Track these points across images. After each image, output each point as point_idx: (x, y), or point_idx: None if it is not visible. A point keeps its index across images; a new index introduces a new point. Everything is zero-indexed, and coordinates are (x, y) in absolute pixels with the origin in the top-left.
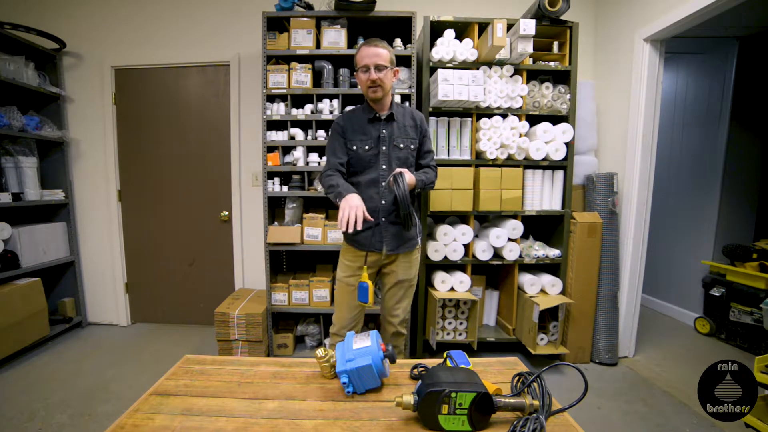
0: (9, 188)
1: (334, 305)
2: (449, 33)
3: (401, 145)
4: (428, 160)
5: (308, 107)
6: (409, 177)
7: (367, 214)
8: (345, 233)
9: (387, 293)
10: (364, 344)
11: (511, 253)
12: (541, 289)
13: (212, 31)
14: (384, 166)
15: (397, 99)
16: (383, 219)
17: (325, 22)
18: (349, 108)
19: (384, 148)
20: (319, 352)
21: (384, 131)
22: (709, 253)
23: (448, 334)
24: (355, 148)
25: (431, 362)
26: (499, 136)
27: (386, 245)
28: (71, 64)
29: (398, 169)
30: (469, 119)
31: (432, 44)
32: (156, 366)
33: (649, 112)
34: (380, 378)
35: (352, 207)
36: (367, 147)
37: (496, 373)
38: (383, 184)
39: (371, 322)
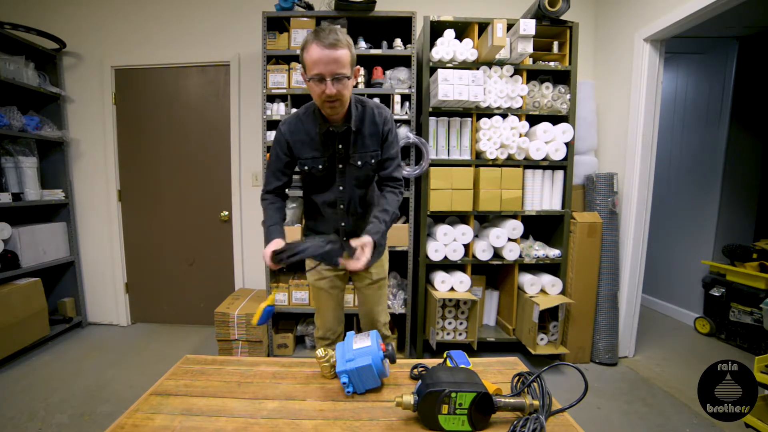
0: (9, 188)
1: (315, 310)
2: (449, 33)
3: (359, 163)
4: (390, 170)
5: None
6: (361, 244)
7: (273, 263)
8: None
9: (365, 296)
10: (364, 344)
11: (511, 253)
12: (541, 289)
13: (212, 31)
14: (341, 188)
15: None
16: (344, 238)
17: (325, 22)
18: (294, 112)
19: (340, 166)
20: (319, 352)
21: (340, 146)
22: (709, 253)
23: (448, 334)
24: (306, 168)
25: (431, 362)
26: (499, 136)
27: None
28: (71, 64)
29: (351, 244)
30: (469, 119)
31: (432, 44)
32: (156, 366)
33: (649, 112)
34: (380, 378)
35: (265, 257)
36: (320, 166)
37: (496, 373)
38: (341, 206)
39: None
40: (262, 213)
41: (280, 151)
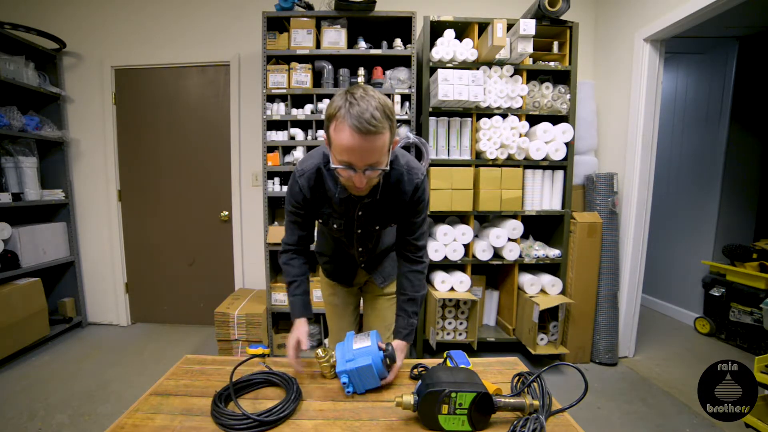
0: (9, 188)
1: (328, 325)
2: (449, 33)
3: (377, 228)
4: (414, 236)
5: (308, 107)
6: (401, 359)
7: (306, 345)
8: (320, 259)
9: (370, 309)
10: (364, 344)
11: (511, 253)
12: (541, 289)
13: (212, 31)
14: (360, 249)
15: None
16: (362, 266)
17: (325, 22)
18: (313, 161)
19: (359, 231)
20: (319, 351)
21: (360, 212)
22: (709, 253)
23: (448, 334)
24: (321, 221)
25: (431, 362)
26: (499, 136)
27: (374, 279)
28: (71, 64)
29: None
30: (469, 119)
31: (432, 44)
32: (156, 366)
33: (649, 112)
34: (380, 378)
35: (290, 348)
36: (336, 226)
37: (496, 373)
38: (360, 258)
39: None
40: (282, 269)
41: (296, 203)
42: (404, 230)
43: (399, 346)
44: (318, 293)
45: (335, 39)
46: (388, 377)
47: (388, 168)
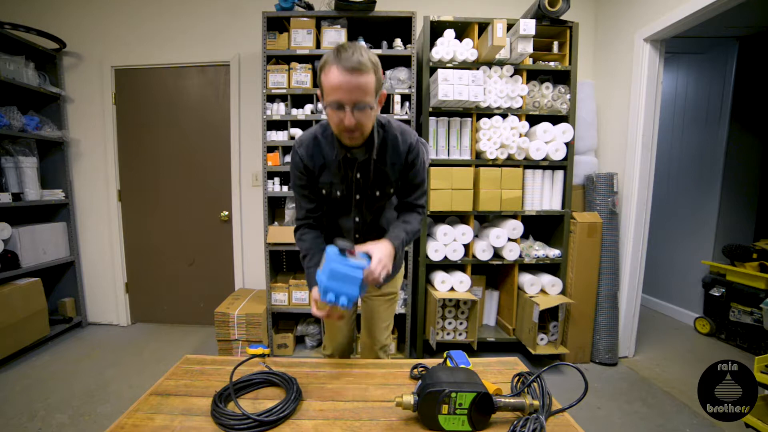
0: (9, 188)
1: (324, 328)
2: (449, 33)
3: (377, 194)
4: (414, 197)
5: (308, 107)
6: (383, 253)
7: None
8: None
9: (369, 309)
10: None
11: (511, 253)
12: (541, 289)
13: (212, 31)
14: (357, 219)
15: (396, 109)
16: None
17: (325, 22)
18: (310, 131)
19: (357, 197)
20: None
21: (359, 175)
22: (709, 253)
23: (448, 334)
24: (324, 192)
25: (431, 362)
26: (499, 136)
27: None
28: (71, 64)
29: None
30: (469, 119)
31: (432, 44)
32: (156, 366)
33: (649, 112)
34: (354, 270)
35: (313, 304)
36: (338, 193)
37: (496, 373)
38: (356, 235)
39: None
40: (298, 247)
41: (300, 174)
42: (403, 194)
43: (381, 244)
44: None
45: (335, 39)
46: (371, 268)
47: (375, 106)
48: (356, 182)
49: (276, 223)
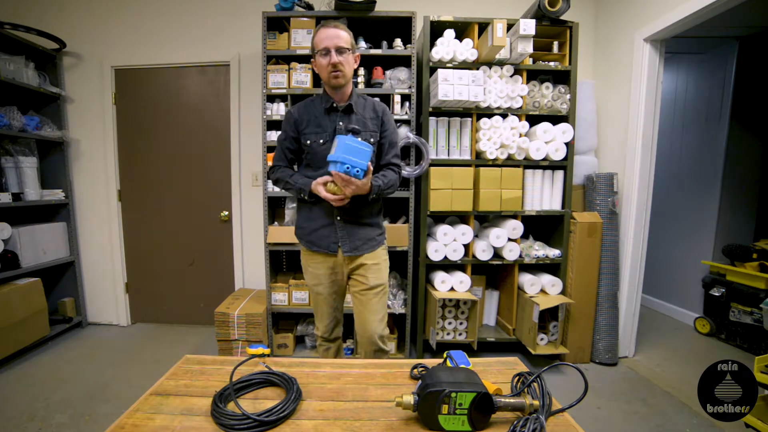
0: (9, 188)
1: (313, 310)
2: (449, 33)
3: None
4: (390, 156)
5: None
6: (358, 183)
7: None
8: (298, 233)
9: (361, 305)
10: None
11: (511, 253)
12: (541, 289)
13: (212, 31)
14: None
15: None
16: (338, 218)
17: (326, 22)
18: (305, 100)
19: None
20: (330, 186)
21: (341, 123)
22: (709, 253)
23: (448, 334)
24: (309, 142)
25: (431, 362)
26: (499, 136)
27: (342, 246)
28: (71, 64)
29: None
30: (469, 119)
31: (432, 44)
32: (156, 366)
33: (649, 112)
34: (363, 144)
35: (328, 197)
36: (321, 140)
37: (496, 373)
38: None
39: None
40: (273, 181)
41: (288, 128)
42: (380, 156)
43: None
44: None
45: None
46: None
47: (352, 52)
48: (337, 129)
49: (276, 223)
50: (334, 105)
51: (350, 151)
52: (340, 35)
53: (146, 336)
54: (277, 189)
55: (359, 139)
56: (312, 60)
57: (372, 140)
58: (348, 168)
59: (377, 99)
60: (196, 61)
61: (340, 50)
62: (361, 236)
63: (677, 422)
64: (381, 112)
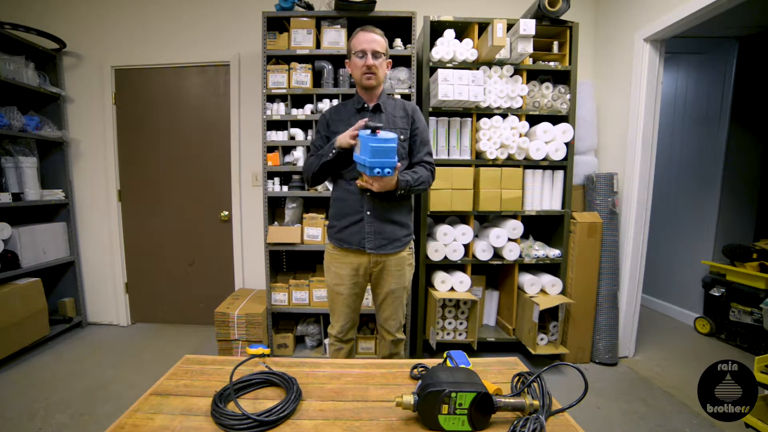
0: (9, 188)
1: (329, 309)
2: (449, 33)
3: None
4: (422, 154)
5: (308, 107)
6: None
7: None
8: (329, 232)
9: (381, 305)
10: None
11: (511, 253)
12: (541, 289)
13: (212, 31)
14: None
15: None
16: (368, 212)
17: (325, 22)
18: (341, 102)
19: None
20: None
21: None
22: (709, 253)
23: (448, 334)
24: None
25: (431, 362)
26: (499, 136)
27: (368, 242)
28: (71, 64)
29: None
30: (469, 119)
31: (432, 44)
32: (156, 366)
33: (649, 112)
34: (387, 142)
35: (347, 134)
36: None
37: (496, 373)
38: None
39: (371, 321)
40: (307, 173)
41: (321, 128)
42: (412, 154)
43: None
44: (318, 293)
45: (335, 39)
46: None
47: (386, 58)
48: (368, 128)
49: (276, 223)
50: (365, 105)
51: (376, 154)
52: (377, 40)
53: (146, 336)
54: (276, 189)
55: (379, 135)
56: (347, 60)
57: (402, 137)
58: (378, 171)
59: (404, 101)
60: (196, 61)
61: (375, 54)
62: (387, 235)
63: (677, 422)
64: (411, 111)
